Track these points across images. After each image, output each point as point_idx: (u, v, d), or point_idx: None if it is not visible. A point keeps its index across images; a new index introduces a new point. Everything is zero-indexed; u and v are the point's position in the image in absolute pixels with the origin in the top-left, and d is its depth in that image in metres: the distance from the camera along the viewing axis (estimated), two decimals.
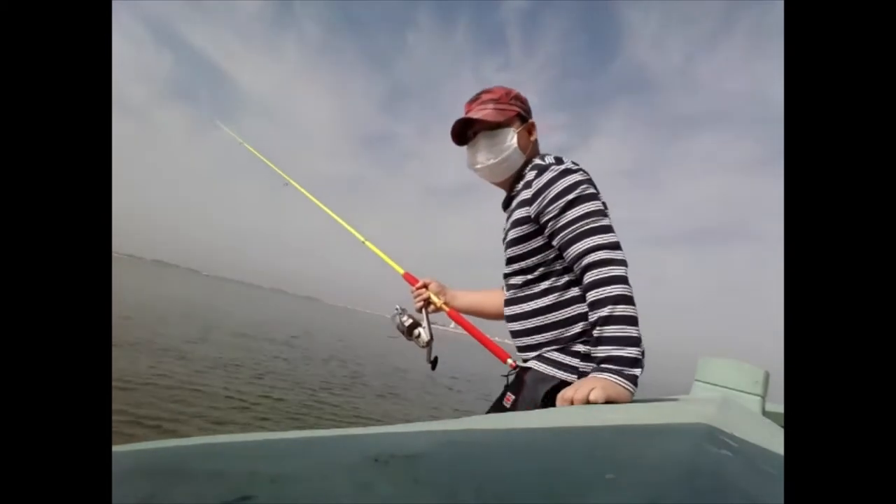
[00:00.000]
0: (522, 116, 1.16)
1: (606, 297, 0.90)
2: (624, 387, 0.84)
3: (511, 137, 1.14)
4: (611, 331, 0.88)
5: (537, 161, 1.11)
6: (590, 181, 1.04)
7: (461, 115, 1.16)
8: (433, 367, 1.31)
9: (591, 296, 0.92)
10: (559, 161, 1.07)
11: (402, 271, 1.49)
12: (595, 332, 0.91)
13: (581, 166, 1.07)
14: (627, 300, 0.89)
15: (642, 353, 0.88)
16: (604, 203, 1.03)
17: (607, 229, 0.99)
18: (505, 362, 1.16)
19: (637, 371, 0.86)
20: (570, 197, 1.01)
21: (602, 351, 0.88)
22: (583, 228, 0.98)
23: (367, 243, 1.64)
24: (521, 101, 1.17)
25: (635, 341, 0.87)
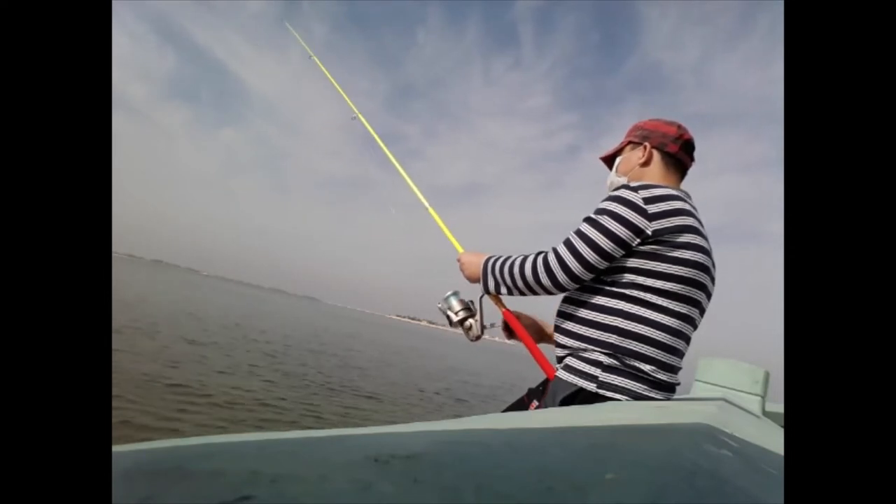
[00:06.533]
0: (633, 142, 1.22)
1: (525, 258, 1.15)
2: (478, 267, 1.22)
3: (613, 168, 1.25)
4: (518, 262, 1.12)
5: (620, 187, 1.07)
6: (630, 204, 1.00)
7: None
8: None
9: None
10: (632, 188, 1.03)
11: (461, 250, 1.35)
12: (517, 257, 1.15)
13: (649, 193, 1.01)
14: (527, 264, 1.11)
15: (497, 281, 1.16)
16: (634, 226, 0.99)
17: (581, 237, 1.02)
18: (551, 378, 1.11)
19: (489, 278, 1.18)
20: (595, 209, 1.05)
21: (509, 259, 1.16)
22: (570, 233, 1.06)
23: (431, 210, 1.57)
24: (641, 128, 1.21)
25: (509, 273, 1.13)
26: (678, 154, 1.17)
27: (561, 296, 1.14)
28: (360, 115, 1.88)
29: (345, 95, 1.95)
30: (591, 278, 1.05)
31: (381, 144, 1.79)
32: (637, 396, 0.98)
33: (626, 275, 1.02)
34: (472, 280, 1.27)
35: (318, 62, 2.12)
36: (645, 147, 1.18)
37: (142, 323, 8.03)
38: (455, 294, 1.34)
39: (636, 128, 1.23)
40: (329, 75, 2.05)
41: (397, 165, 1.72)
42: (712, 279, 1.09)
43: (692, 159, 1.20)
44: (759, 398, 1.25)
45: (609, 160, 1.30)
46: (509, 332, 1.31)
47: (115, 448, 0.25)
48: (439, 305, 1.34)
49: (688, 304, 1.03)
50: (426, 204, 1.60)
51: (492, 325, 1.32)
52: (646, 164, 1.18)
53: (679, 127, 1.18)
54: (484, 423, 0.43)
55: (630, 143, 1.23)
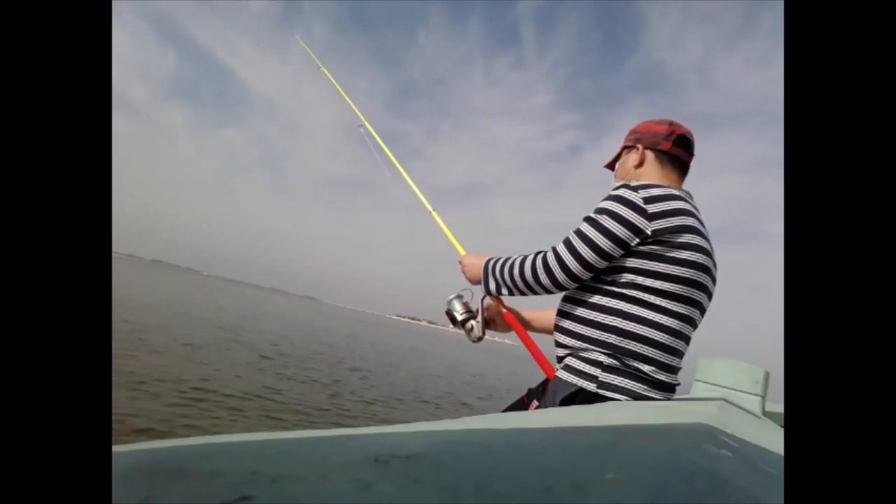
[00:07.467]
0: (628, 147, 1.22)
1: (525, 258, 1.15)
2: (479, 269, 1.23)
3: (613, 176, 1.27)
4: (518, 262, 1.13)
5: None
6: (629, 203, 1.00)
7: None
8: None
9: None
10: (632, 188, 1.03)
11: (463, 252, 1.38)
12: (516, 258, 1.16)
13: (649, 193, 1.01)
14: (527, 264, 1.11)
15: (498, 282, 1.17)
16: (633, 226, 0.99)
17: (580, 237, 1.03)
18: (551, 378, 1.11)
19: (490, 279, 1.19)
20: (595, 208, 1.05)
21: (508, 259, 1.17)
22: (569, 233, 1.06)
23: (434, 214, 1.60)
24: (634, 131, 1.22)
25: (509, 274, 1.14)
26: (672, 150, 1.15)
27: (561, 294, 1.14)
28: (367, 123, 1.90)
29: (353, 104, 1.97)
30: (590, 277, 1.05)
31: (388, 152, 1.80)
32: (637, 396, 0.98)
33: (625, 274, 1.02)
34: (474, 282, 1.29)
35: (327, 74, 2.15)
36: (638, 149, 1.19)
37: (140, 325, 8.01)
38: (459, 297, 1.38)
39: (631, 132, 1.24)
40: (338, 85, 2.07)
41: (402, 171, 1.74)
42: (713, 280, 1.08)
43: (690, 154, 1.18)
44: (759, 398, 1.25)
45: (613, 167, 1.30)
46: (486, 322, 1.35)
47: (115, 448, 0.25)
48: (448, 306, 1.39)
49: (687, 304, 1.03)
50: (430, 208, 1.62)
51: (482, 316, 1.35)
52: (639, 165, 1.18)
53: (670, 124, 1.17)
54: (484, 423, 0.43)
55: (625, 147, 1.23)
